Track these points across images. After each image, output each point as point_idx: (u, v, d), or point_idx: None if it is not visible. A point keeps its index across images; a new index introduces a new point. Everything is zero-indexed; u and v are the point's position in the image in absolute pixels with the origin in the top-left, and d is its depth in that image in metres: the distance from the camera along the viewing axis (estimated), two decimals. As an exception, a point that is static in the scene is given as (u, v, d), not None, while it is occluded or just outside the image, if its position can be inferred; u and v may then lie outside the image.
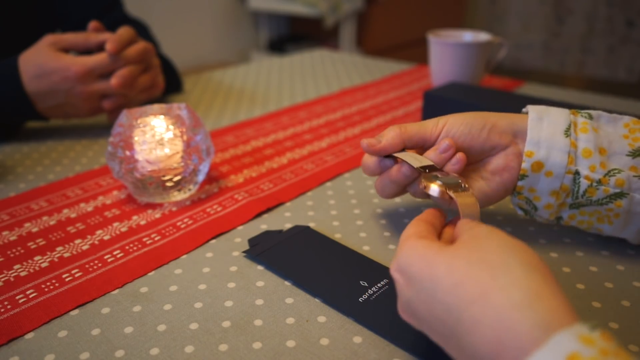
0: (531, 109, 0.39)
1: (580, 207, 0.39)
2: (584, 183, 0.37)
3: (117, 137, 0.47)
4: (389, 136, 0.40)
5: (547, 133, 0.38)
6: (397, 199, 0.50)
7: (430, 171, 0.37)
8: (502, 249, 0.26)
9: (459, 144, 0.39)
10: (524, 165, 0.38)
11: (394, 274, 0.29)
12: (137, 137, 0.46)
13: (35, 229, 0.45)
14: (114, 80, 0.60)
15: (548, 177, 0.38)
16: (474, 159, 0.40)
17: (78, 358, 0.31)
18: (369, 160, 0.42)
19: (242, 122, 0.72)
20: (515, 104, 0.65)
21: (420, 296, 0.27)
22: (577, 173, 0.37)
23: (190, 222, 0.46)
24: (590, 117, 0.39)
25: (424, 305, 0.27)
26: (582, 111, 0.39)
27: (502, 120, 0.39)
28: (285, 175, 0.55)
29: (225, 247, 0.42)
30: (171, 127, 0.47)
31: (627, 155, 0.37)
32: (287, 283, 0.38)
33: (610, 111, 0.42)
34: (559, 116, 0.39)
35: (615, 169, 0.37)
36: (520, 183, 0.39)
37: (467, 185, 0.35)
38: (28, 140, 0.66)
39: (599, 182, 0.37)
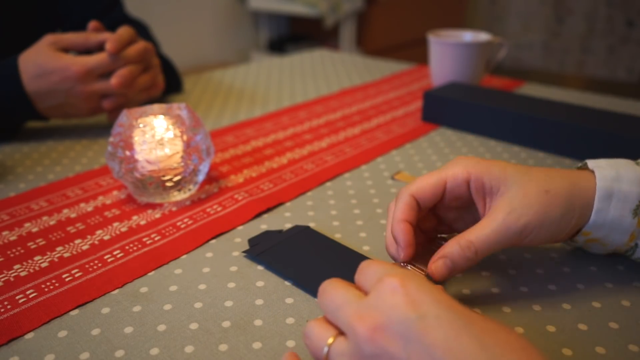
0: (600, 182, 0.34)
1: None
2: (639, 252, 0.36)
3: (117, 137, 0.47)
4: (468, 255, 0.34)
5: (614, 216, 0.34)
6: (397, 199, 0.50)
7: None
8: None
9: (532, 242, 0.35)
10: (579, 240, 0.37)
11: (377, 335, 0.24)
12: (137, 137, 0.46)
13: (35, 229, 0.45)
14: (114, 80, 0.60)
15: (603, 246, 0.38)
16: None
17: (78, 358, 0.31)
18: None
19: (242, 122, 0.72)
20: (515, 105, 0.65)
21: None
22: (636, 245, 0.36)
23: (190, 222, 0.46)
24: None
25: None
26: None
27: (584, 215, 0.34)
28: (285, 175, 0.55)
29: (225, 247, 0.42)
30: (171, 127, 0.47)
31: None
32: (287, 283, 0.38)
33: None
34: (630, 188, 0.34)
35: None
36: (570, 244, 0.39)
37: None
38: (28, 140, 0.65)
39: None
